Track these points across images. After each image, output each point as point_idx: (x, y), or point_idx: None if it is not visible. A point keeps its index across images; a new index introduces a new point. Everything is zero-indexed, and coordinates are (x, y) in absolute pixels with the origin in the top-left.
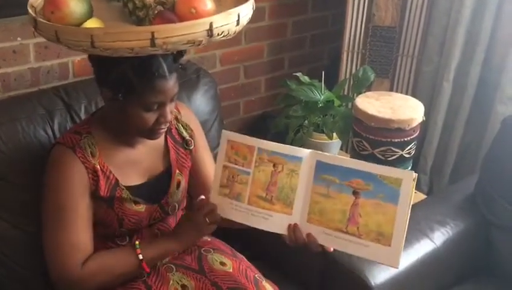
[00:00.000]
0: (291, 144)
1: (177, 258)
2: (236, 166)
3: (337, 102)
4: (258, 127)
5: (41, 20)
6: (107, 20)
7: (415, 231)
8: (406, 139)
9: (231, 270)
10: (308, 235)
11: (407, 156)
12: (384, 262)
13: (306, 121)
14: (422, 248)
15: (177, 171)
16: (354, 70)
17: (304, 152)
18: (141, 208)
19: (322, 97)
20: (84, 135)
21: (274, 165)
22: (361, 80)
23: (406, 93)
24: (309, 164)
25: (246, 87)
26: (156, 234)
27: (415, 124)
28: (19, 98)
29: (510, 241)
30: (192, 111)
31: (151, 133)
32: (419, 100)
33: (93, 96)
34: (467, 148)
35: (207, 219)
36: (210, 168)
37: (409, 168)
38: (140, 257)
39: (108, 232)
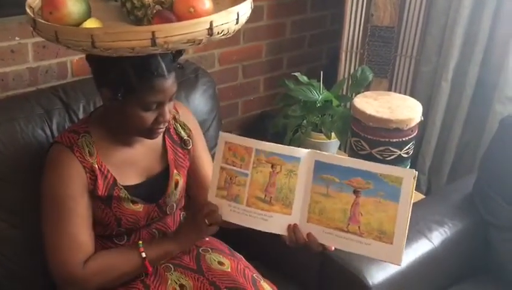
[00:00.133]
0: (289, 143)
1: (175, 258)
2: (234, 168)
3: (335, 102)
4: (256, 126)
5: (40, 20)
6: (105, 20)
7: (413, 231)
8: (404, 139)
9: (229, 269)
10: (309, 235)
11: (405, 156)
12: (387, 260)
13: (304, 121)
14: (420, 248)
15: (175, 171)
16: (352, 70)
17: (302, 152)
18: (139, 207)
19: (321, 97)
20: (82, 134)
21: (272, 166)
22: (359, 79)
23: (404, 93)
24: (307, 164)
25: (245, 86)
26: (154, 233)
27: (413, 124)
28: (17, 98)
29: (508, 240)
30: (190, 111)
31: (149, 132)
32: (418, 100)
33: (92, 95)
34: (465, 148)
35: (206, 221)
36: (208, 168)
37: (407, 168)
38: (143, 255)
39: (106, 231)
